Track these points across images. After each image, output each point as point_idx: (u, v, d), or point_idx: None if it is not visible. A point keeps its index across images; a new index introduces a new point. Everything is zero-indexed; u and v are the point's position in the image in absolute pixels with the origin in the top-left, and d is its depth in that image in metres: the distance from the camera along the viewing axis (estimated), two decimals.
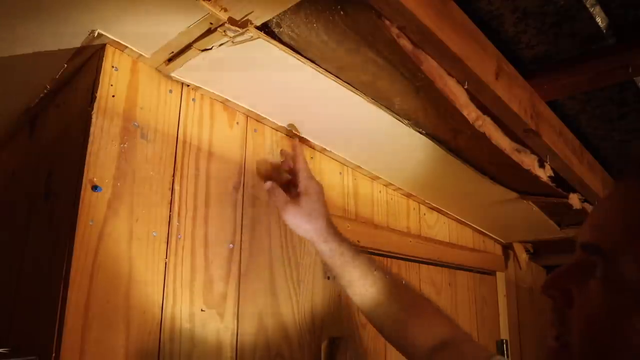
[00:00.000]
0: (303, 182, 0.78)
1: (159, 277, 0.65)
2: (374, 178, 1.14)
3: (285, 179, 0.82)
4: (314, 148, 0.97)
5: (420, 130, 0.89)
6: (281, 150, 0.86)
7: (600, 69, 0.78)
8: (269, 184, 0.78)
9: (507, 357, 1.42)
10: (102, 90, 0.63)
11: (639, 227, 0.38)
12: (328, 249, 0.77)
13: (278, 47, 0.64)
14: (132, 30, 0.62)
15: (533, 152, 0.96)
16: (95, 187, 0.60)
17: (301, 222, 0.77)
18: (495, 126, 0.87)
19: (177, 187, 0.70)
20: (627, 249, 0.38)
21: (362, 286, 0.77)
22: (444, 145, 0.95)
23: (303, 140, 0.93)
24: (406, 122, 0.86)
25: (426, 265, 1.26)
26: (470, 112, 0.78)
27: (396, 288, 0.78)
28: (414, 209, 1.28)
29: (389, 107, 0.82)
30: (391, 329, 0.77)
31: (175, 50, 0.65)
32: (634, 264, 0.37)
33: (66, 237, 0.58)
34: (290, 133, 0.89)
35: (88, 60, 0.67)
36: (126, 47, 0.65)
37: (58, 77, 0.70)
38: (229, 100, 0.79)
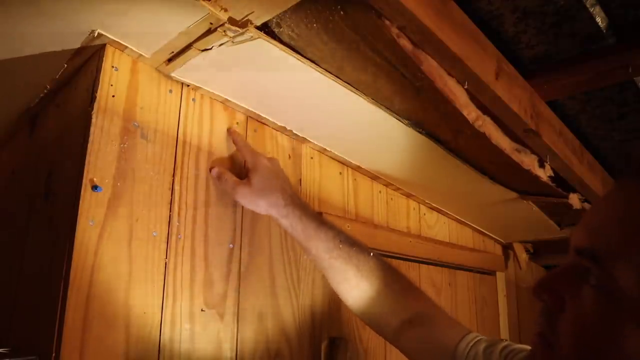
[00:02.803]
0: (249, 160, 0.76)
1: (159, 277, 0.65)
2: (374, 178, 1.14)
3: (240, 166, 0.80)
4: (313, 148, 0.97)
5: (420, 130, 0.89)
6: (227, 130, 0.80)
7: (600, 69, 0.78)
8: (214, 170, 0.75)
9: None
10: (102, 90, 0.63)
11: (635, 233, 0.37)
12: (289, 224, 0.74)
13: (278, 47, 0.64)
14: (132, 30, 0.62)
15: (533, 152, 0.96)
16: (95, 187, 0.60)
17: (255, 200, 0.74)
18: (495, 126, 0.86)
19: (177, 187, 0.70)
20: (623, 255, 0.37)
21: (327, 260, 0.74)
22: (444, 145, 0.95)
23: (303, 140, 0.94)
24: (406, 122, 0.86)
25: (426, 265, 1.26)
26: (470, 112, 0.78)
27: (364, 262, 0.74)
28: (414, 209, 1.28)
29: (389, 107, 0.82)
30: (360, 304, 0.75)
31: (176, 50, 0.65)
32: (630, 271, 0.36)
33: (66, 237, 0.58)
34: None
35: (88, 60, 0.67)
36: (126, 47, 0.65)
37: (58, 77, 0.70)
38: (229, 100, 0.79)
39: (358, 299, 0.74)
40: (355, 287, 0.74)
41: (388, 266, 0.76)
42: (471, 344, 0.64)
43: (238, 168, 0.80)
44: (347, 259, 0.74)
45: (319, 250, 0.74)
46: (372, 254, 0.75)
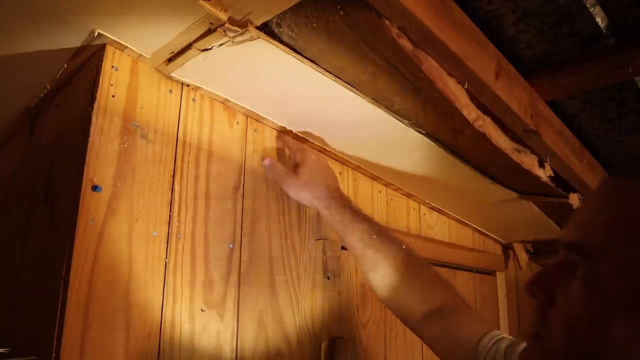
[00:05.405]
0: (298, 156, 0.85)
1: (159, 277, 0.65)
2: (374, 178, 1.14)
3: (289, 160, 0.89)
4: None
5: (420, 130, 0.89)
6: (277, 136, 0.89)
7: (600, 69, 0.78)
8: (267, 160, 0.83)
9: None
10: (102, 90, 0.63)
11: (621, 228, 0.38)
12: (328, 214, 0.82)
13: (278, 47, 0.64)
14: (132, 30, 0.62)
15: (533, 152, 0.96)
16: (95, 187, 0.60)
17: (299, 190, 0.82)
18: (495, 126, 0.87)
19: (177, 187, 0.70)
20: (608, 249, 0.38)
21: (360, 249, 0.80)
22: (444, 145, 0.95)
23: (303, 140, 0.94)
24: (406, 122, 0.86)
25: None
26: (470, 112, 0.78)
27: (394, 253, 0.78)
28: (414, 209, 1.28)
29: (389, 107, 0.82)
30: (387, 292, 0.78)
31: (175, 50, 0.65)
32: (614, 264, 0.37)
33: (66, 237, 0.58)
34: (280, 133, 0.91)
35: (88, 60, 0.67)
36: (126, 47, 0.65)
37: (58, 77, 0.70)
38: (229, 100, 0.79)
39: (385, 288, 0.79)
40: (383, 276, 0.78)
41: (416, 258, 0.80)
42: (493, 341, 0.65)
43: (286, 162, 0.88)
44: (377, 249, 0.78)
45: (353, 240, 0.80)
46: (403, 246, 0.80)
